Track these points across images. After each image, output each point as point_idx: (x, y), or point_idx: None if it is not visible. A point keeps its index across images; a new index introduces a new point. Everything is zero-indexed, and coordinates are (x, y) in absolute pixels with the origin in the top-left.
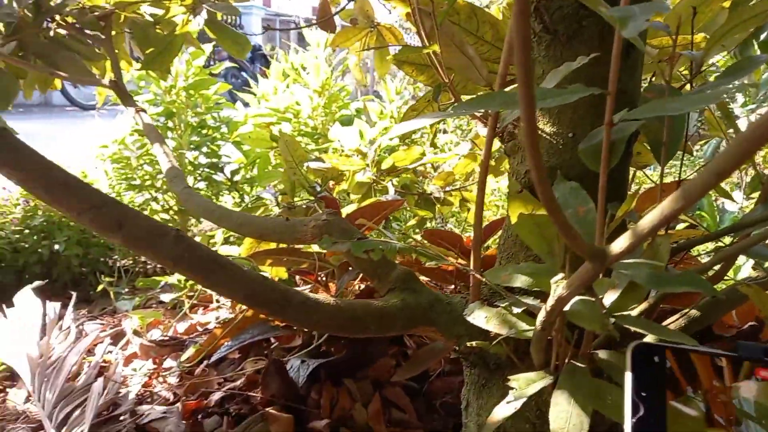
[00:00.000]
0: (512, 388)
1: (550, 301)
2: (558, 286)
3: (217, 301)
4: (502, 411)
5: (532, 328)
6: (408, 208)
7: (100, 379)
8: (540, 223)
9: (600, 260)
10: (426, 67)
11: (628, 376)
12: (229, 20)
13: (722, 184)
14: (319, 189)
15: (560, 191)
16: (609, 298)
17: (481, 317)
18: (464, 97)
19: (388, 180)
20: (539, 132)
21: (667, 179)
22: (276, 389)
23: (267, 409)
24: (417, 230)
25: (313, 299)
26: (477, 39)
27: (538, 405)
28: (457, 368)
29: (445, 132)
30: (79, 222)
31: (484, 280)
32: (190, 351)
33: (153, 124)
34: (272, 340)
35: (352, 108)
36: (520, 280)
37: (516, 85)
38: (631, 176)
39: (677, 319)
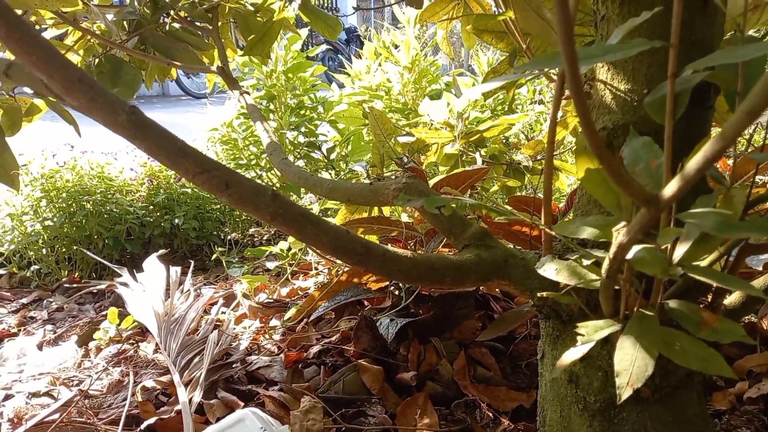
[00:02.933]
0: (581, 335)
1: (612, 248)
2: (619, 233)
3: (316, 268)
4: (571, 355)
5: (600, 278)
6: (496, 178)
7: (216, 332)
8: (607, 176)
9: (654, 204)
10: (505, 34)
11: None
12: (325, 4)
13: None
14: (406, 160)
15: (632, 146)
16: (681, 249)
17: (551, 269)
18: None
19: (482, 153)
20: (614, 89)
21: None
22: (367, 343)
23: (359, 360)
24: (503, 197)
25: (393, 251)
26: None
27: (610, 353)
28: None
29: (541, 102)
30: (193, 182)
31: (555, 234)
32: (292, 311)
33: (255, 104)
34: (365, 302)
35: (443, 82)
36: (587, 232)
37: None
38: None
39: (766, 276)
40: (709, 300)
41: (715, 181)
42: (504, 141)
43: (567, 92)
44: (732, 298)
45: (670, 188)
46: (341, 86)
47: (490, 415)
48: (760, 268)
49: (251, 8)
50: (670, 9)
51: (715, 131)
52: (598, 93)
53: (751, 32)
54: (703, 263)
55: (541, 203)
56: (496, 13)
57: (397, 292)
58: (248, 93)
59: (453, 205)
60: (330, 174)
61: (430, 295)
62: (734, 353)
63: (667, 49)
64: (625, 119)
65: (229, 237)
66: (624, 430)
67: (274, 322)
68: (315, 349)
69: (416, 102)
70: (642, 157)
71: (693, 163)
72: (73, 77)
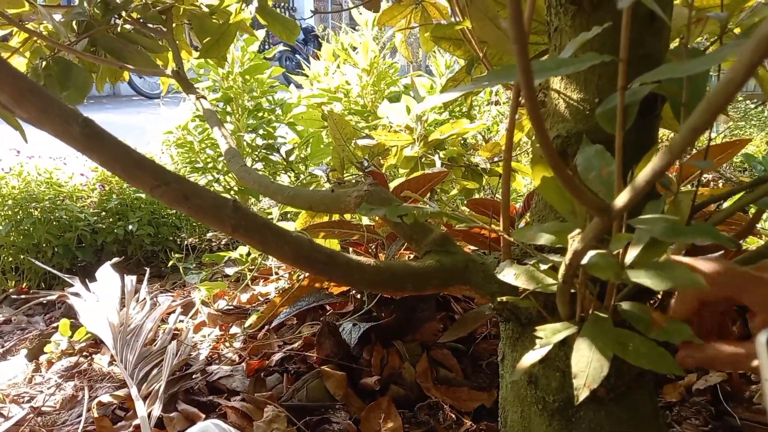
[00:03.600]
0: (540, 338)
1: (568, 255)
2: (574, 241)
3: (276, 273)
4: (530, 358)
5: (557, 282)
6: (455, 180)
7: (174, 342)
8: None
9: (606, 214)
10: (462, 42)
11: (765, 366)
12: (282, 3)
13: None
14: (366, 164)
15: (585, 154)
16: (632, 253)
17: (510, 274)
18: None
19: (434, 152)
20: (567, 99)
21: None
22: (330, 349)
23: (322, 367)
24: (462, 199)
25: (356, 260)
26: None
27: (567, 354)
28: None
29: (497, 104)
30: (151, 195)
31: (513, 240)
32: (253, 318)
33: (212, 109)
34: (327, 307)
35: (401, 84)
36: (544, 238)
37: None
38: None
39: None
40: (660, 299)
41: (663, 187)
42: (462, 142)
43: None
44: None
45: (622, 199)
46: (299, 87)
47: (453, 416)
48: None
49: (206, 10)
50: (620, 23)
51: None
52: (552, 102)
53: (697, 41)
54: None
55: (498, 205)
56: (453, 20)
57: (359, 296)
58: (204, 97)
59: (414, 212)
60: (289, 176)
61: (392, 298)
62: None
63: (613, 63)
64: (578, 128)
65: (185, 242)
66: (581, 428)
67: (234, 330)
68: (277, 356)
69: (375, 104)
70: (594, 165)
71: (642, 175)
72: (23, 87)
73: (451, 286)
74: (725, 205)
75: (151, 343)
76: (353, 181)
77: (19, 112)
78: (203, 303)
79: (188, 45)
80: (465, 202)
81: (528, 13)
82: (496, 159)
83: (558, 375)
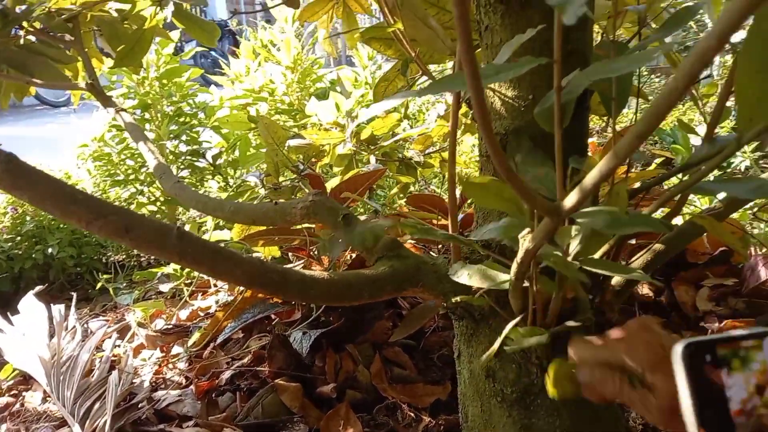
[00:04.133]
0: (501, 336)
1: (520, 253)
2: (525, 240)
3: (215, 285)
4: (490, 351)
5: (509, 279)
6: (391, 175)
7: (115, 372)
8: (501, 189)
9: (556, 215)
10: (393, 41)
11: (683, 384)
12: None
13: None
14: (302, 167)
15: (521, 154)
16: (574, 245)
17: (464, 275)
18: (431, 68)
19: (369, 152)
20: (502, 96)
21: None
22: (282, 361)
23: (276, 380)
24: (401, 196)
25: (309, 275)
26: (438, 9)
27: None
28: (449, 323)
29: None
30: (88, 230)
31: (462, 240)
32: (196, 336)
33: (135, 123)
34: (273, 316)
35: (327, 80)
36: (494, 235)
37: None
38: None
39: (643, 254)
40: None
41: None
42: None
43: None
44: (617, 279)
45: (570, 200)
46: (219, 86)
47: (411, 414)
48: None
49: (116, 15)
50: (549, 21)
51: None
52: (488, 100)
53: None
54: (596, 255)
55: (439, 199)
56: (382, 20)
57: (306, 303)
58: (125, 110)
59: (372, 232)
60: (218, 181)
61: None
62: (615, 319)
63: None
64: (515, 124)
65: (112, 260)
66: (540, 415)
67: (176, 350)
68: (227, 374)
69: (302, 102)
70: (530, 166)
71: (590, 177)
72: None
73: (405, 290)
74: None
75: (89, 375)
76: (289, 185)
77: None
78: (140, 324)
79: (98, 52)
80: (403, 197)
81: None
82: (427, 151)
83: (514, 367)
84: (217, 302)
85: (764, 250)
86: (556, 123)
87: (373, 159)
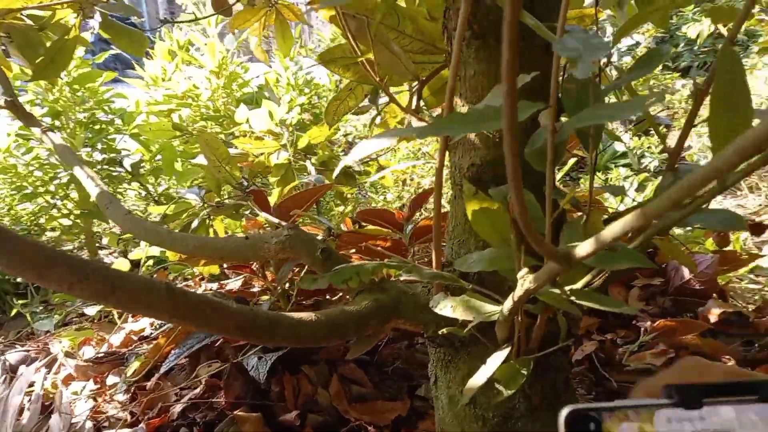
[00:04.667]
0: (487, 366)
1: (518, 292)
2: (525, 280)
3: None
4: (475, 382)
5: (497, 311)
6: (333, 187)
7: (56, 416)
8: (494, 218)
9: (567, 262)
10: (352, 64)
11: None
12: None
13: (611, 126)
14: (246, 184)
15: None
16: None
17: (447, 307)
18: (396, 93)
19: (313, 161)
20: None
21: None
22: (239, 390)
23: (235, 412)
24: (350, 214)
25: (297, 319)
26: (398, 33)
27: None
28: (400, 334)
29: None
30: (69, 293)
31: (444, 273)
32: (135, 364)
33: (66, 144)
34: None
35: (253, 86)
36: (481, 266)
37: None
38: None
39: (599, 278)
40: None
41: (574, 207)
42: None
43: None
44: None
45: (584, 249)
46: (130, 84)
47: None
48: None
49: (31, 23)
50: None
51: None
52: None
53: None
54: (579, 284)
55: (389, 213)
56: (308, 20)
57: None
58: (52, 130)
59: (358, 275)
60: (135, 189)
61: None
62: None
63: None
64: (492, 154)
65: (26, 282)
66: None
67: (112, 379)
68: (178, 407)
69: (228, 108)
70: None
71: (610, 231)
72: None
73: (389, 323)
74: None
75: (20, 415)
76: (232, 202)
77: None
78: (67, 354)
79: (7, 60)
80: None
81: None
82: (367, 159)
83: (496, 392)
84: (151, 324)
85: (683, 248)
86: (549, 163)
87: (311, 168)
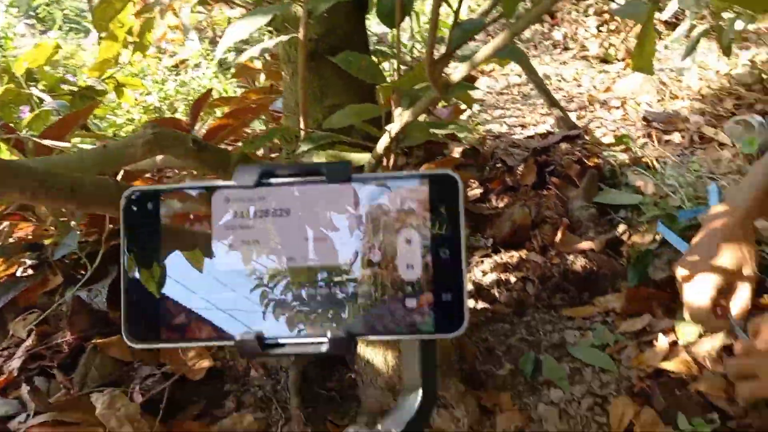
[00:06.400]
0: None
1: (396, 126)
2: (403, 115)
3: None
4: None
5: (365, 157)
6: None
7: None
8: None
9: (446, 90)
10: None
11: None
12: None
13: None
14: None
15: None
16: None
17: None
18: None
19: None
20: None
21: None
22: (84, 324)
23: (94, 341)
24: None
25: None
26: None
27: None
28: None
29: None
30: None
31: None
32: None
33: None
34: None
35: None
36: (351, 119)
37: None
38: None
39: None
40: None
41: None
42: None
43: None
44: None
45: (459, 73)
46: None
47: None
48: None
49: None
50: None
51: None
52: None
53: None
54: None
55: (178, 121)
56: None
57: (61, 264)
58: None
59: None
60: None
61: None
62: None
63: None
64: (323, 28)
65: None
66: None
67: None
68: (15, 363)
69: None
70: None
71: (481, 54)
72: None
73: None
74: None
75: None
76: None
77: None
78: None
79: None
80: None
81: None
82: (103, 77)
83: None
84: None
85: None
86: (397, 21)
87: (48, 98)
